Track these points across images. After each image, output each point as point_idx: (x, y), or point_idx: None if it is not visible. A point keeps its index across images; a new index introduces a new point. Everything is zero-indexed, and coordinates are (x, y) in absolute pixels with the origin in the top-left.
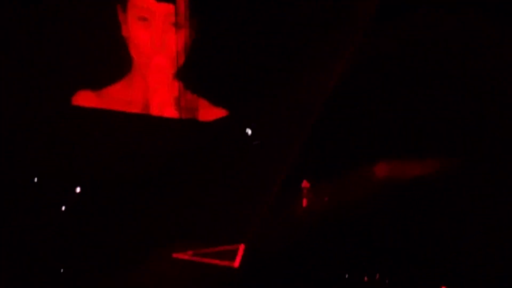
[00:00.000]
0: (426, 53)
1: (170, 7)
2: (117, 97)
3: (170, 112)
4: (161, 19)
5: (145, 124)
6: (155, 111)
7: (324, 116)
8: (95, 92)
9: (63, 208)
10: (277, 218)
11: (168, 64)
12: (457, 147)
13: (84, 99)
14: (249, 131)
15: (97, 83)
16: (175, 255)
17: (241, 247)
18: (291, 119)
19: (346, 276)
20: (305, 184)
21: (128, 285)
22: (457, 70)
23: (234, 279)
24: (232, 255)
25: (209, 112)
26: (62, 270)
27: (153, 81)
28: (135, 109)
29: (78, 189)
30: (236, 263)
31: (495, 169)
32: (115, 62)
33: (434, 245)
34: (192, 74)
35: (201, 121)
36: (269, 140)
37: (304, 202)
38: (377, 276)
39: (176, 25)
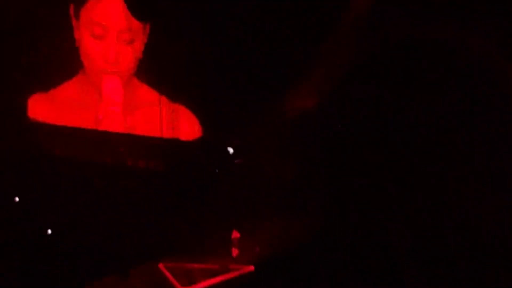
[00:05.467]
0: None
1: (123, 23)
2: (71, 97)
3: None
4: (114, 36)
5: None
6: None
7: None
8: (47, 93)
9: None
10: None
11: (122, 82)
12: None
13: (37, 101)
14: (230, 150)
15: (48, 84)
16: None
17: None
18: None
19: None
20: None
21: None
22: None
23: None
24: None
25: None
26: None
27: (106, 94)
28: (89, 111)
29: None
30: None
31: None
32: (63, 62)
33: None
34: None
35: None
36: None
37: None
38: None
39: (131, 41)
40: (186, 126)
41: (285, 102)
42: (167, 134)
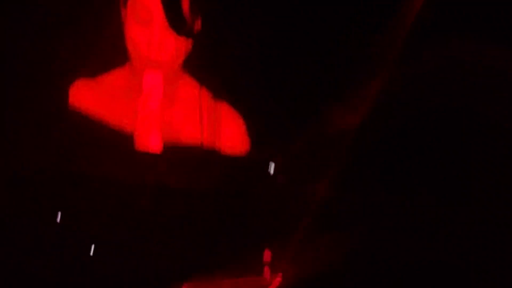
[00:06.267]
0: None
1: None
2: (116, 85)
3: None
4: (160, 22)
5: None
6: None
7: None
8: (93, 79)
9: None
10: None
11: (165, 76)
12: None
13: (82, 87)
14: (272, 167)
15: (94, 71)
16: None
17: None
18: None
19: None
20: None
21: None
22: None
23: None
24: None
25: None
26: None
27: (146, 90)
28: (135, 97)
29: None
30: None
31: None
32: (111, 52)
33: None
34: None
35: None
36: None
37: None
38: None
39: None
40: (229, 129)
41: (325, 119)
42: (207, 135)
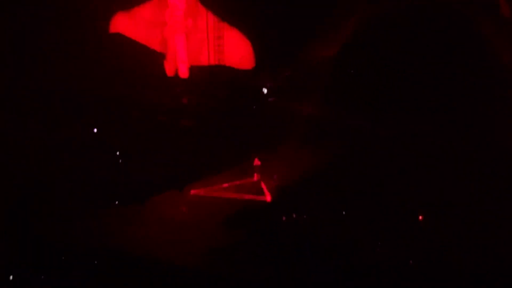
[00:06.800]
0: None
1: None
2: (145, 18)
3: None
4: None
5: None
6: (170, 61)
7: None
8: (128, 12)
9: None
10: None
11: None
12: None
13: (121, 19)
14: (264, 90)
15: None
16: (193, 192)
17: (261, 182)
18: None
19: None
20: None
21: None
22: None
23: (269, 213)
24: (253, 188)
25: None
26: None
27: (169, 22)
28: (156, 31)
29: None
30: (268, 197)
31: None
32: None
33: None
34: None
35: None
36: None
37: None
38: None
39: None
40: (234, 47)
41: (309, 51)
42: (213, 54)
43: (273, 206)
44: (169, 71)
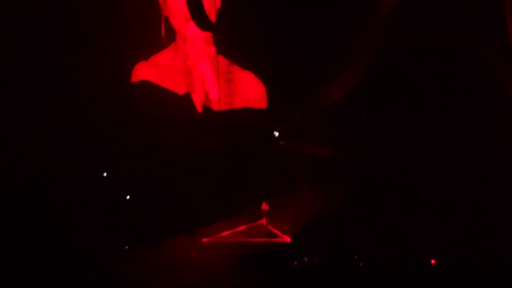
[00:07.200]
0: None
1: None
2: (164, 64)
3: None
4: None
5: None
6: (199, 90)
7: None
8: (147, 61)
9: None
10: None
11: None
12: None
13: (142, 69)
14: (276, 133)
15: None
16: (205, 240)
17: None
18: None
19: None
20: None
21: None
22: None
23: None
24: (263, 232)
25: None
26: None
27: (192, 52)
28: (177, 73)
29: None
30: (288, 238)
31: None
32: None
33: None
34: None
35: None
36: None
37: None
38: None
39: None
40: (246, 88)
41: (319, 95)
42: (224, 95)
43: (291, 247)
44: (198, 104)
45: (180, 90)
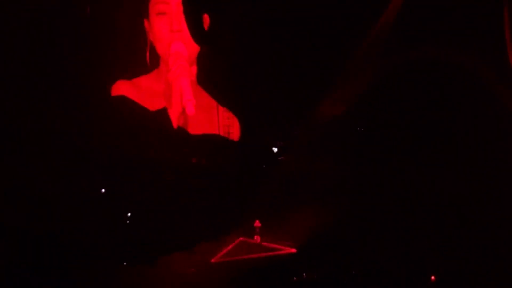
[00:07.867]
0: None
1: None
2: (144, 86)
3: (190, 109)
4: (175, 8)
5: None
6: (176, 105)
7: None
8: (130, 81)
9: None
10: None
11: (186, 48)
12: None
13: (121, 85)
14: (275, 149)
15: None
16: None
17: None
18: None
19: None
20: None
21: None
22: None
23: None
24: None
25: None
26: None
27: (173, 68)
28: (156, 95)
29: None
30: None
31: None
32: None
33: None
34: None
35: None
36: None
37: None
38: None
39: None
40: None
41: (318, 110)
42: (222, 128)
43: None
44: (174, 118)
45: (157, 107)
